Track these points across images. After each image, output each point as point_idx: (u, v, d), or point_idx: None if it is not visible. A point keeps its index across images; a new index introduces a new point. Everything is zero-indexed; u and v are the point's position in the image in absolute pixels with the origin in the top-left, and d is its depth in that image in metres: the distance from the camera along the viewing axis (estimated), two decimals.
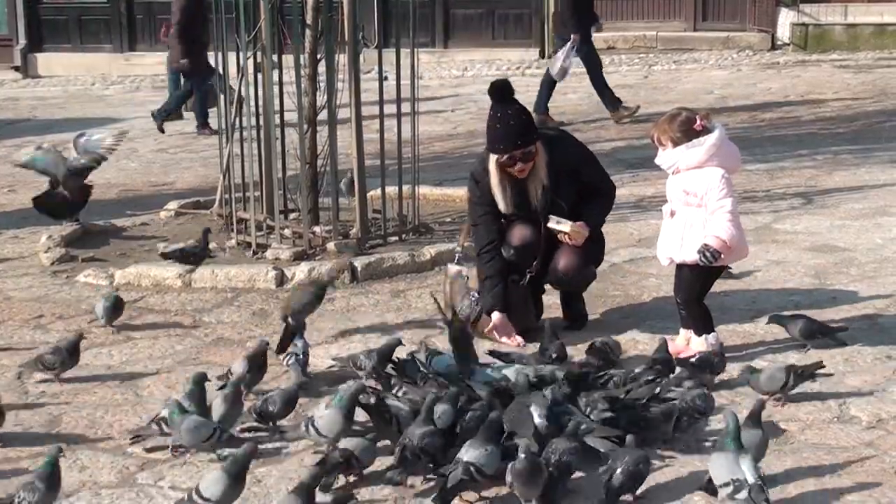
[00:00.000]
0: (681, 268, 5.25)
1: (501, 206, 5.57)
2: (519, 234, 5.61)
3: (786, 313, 5.52)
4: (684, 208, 5.19)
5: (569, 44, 12.33)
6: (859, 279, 6.47)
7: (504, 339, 5.51)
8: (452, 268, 5.92)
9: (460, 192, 8.88)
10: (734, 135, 11.35)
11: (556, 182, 5.52)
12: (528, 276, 5.66)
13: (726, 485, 3.74)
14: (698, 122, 5.14)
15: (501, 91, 5.50)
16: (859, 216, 7.95)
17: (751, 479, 3.71)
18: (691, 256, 5.12)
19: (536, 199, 5.53)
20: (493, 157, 5.52)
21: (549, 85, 12.65)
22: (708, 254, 5.05)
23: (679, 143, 5.14)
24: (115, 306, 5.95)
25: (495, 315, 5.53)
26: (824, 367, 4.85)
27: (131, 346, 5.77)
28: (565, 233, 5.48)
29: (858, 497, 3.92)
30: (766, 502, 3.69)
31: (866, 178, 9.26)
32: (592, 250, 5.69)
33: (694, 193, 5.13)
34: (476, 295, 5.62)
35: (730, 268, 5.78)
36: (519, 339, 5.50)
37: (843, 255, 6.99)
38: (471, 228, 5.83)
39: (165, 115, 13.52)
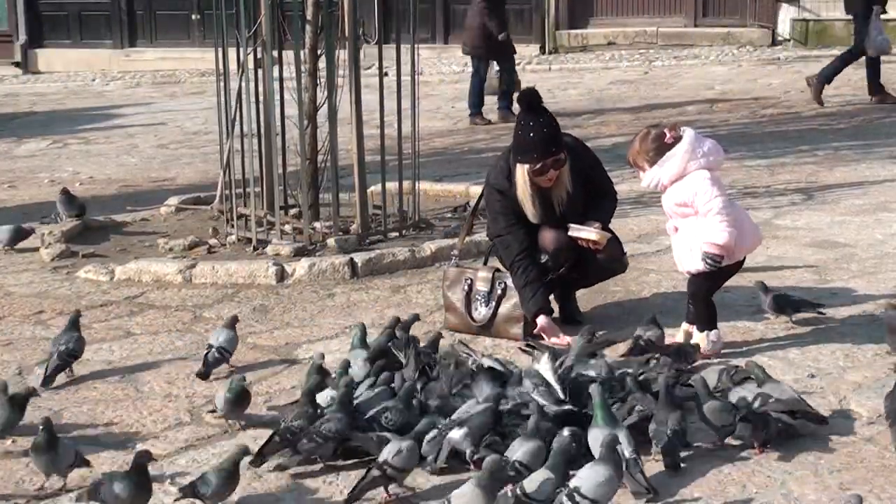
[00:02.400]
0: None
1: (531, 215, 5.54)
2: (552, 237, 5.56)
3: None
4: (684, 221, 5.21)
5: (873, 15, 12.10)
6: (859, 275, 6.47)
7: (553, 340, 5.42)
8: (452, 271, 5.90)
9: (460, 188, 8.91)
10: (735, 130, 11.45)
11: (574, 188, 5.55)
12: (549, 277, 5.64)
13: None
14: (668, 135, 5.16)
15: (532, 99, 5.47)
16: (860, 212, 7.95)
17: (627, 454, 3.89)
18: (699, 265, 5.14)
19: (561, 205, 5.55)
20: (522, 167, 5.46)
21: (873, 64, 12.55)
22: (709, 260, 5.08)
23: (655, 161, 5.17)
24: (240, 398, 4.64)
25: (541, 319, 5.47)
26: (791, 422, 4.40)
27: (132, 342, 5.77)
28: (589, 239, 5.50)
29: (859, 492, 3.91)
30: (642, 474, 3.89)
31: (867, 174, 9.26)
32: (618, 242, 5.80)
33: (684, 203, 5.14)
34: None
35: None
36: (567, 338, 5.37)
37: (843, 250, 7.00)
38: (496, 241, 5.72)
39: (507, 103, 12.83)
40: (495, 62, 12.92)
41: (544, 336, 5.43)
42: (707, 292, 5.28)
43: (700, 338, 5.21)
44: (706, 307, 5.28)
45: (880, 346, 5.24)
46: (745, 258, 5.40)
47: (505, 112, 12.74)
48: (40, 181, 10.69)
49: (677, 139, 5.15)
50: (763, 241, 7.04)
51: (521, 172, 5.47)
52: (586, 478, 3.67)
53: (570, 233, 5.50)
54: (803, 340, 5.40)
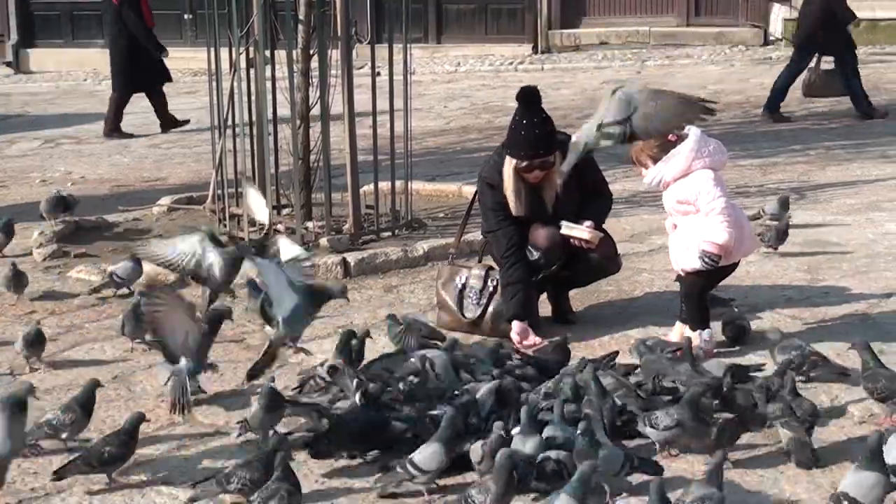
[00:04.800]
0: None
1: (514, 208, 5.55)
2: (544, 235, 5.58)
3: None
4: (683, 218, 5.22)
5: None
6: (851, 274, 6.49)
7: (526, 343, 5.42)
8: (446, 268, 5.90)
9: (453, 188, 8.90)
10: (727, 130, 11.45)
11: (566, 186, 5.53)
12: (541, 275, 5.65)
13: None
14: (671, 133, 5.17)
15: (529, 97, 5.49)
16: (851, 211, 7.97)
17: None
18: (696, 263, 5.15)
19: (551, 203, 5.56)
20: (510, 161, 5.50)
21: None
22: (707, 259, 5.09)
23: (658, 159, 5.17)
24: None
25: (515, 324, 5.47)
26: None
27: (124, 341, 5.74)
28: (581, 238, 5.50)
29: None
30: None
31: (858, 174, 9.28)
32: (611, 242, 5.78)
33: (686, 201, 5.16)
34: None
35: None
36: (536, 338, 5.42)
37: (835, 250, 7.01)
38: (487, 236, 5.75)
39: (776, 101, 11.97)
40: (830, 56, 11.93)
41: (513, 341, 5.42)
42: (701, 292, 5.29)
43: (693, 336, 5.22)
44: (699, 307, 5.29)
45: (872, 345, 5.24)
46: (740, 260, 5.42)
47: (865, 110, 11.85)
48: (31, 181, 10.66)
49: (681, 137, 5.15)
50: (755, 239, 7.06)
51: (508, 164, 5.51)
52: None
53: (562, 231, 5.51)
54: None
